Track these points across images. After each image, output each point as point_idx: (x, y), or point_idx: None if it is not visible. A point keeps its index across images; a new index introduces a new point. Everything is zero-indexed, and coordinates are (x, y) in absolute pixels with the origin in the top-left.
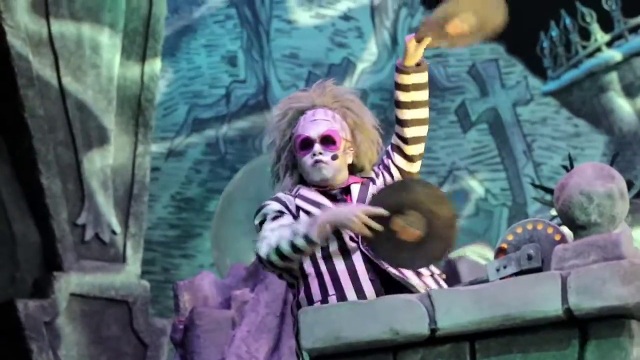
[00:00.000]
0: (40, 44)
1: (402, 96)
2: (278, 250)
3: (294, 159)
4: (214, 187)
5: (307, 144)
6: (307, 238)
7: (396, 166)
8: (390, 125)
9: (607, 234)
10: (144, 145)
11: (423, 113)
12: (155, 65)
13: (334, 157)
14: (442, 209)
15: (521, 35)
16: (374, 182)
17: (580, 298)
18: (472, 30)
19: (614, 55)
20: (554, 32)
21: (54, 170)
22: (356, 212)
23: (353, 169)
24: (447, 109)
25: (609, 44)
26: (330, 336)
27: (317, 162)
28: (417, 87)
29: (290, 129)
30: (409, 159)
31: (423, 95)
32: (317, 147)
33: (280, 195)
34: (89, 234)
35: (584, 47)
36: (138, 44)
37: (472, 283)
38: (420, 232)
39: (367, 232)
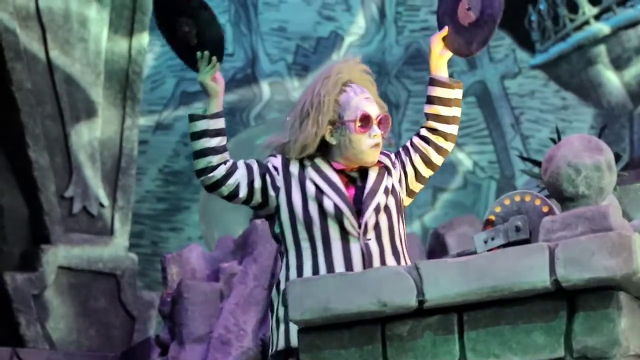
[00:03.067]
0: (27, 17)
1: (444, 110)
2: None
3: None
4: None
5: (368, 122)
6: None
7: (413, 166)
8: (380, 96)
9: (595, 205)
10: (132, 119)
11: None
12: (142, 38)
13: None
14: None
15: (509, 9)
16: (389, 173)
17: (568, 270)
18: None
19: (602, 28)
20: (542, 5)
21: (41, 144)
22: None
23: None
24: None
25: (597, 17)
26: (318, 307)
27: (377, 144)
28: (457, 102)
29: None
30: (432, 166)
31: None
32: (376, 129)
33: (279, 163)
34: (76, 207)
35: (572, 21)
36: (126, 18)
37: (459, 255)
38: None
39: None
